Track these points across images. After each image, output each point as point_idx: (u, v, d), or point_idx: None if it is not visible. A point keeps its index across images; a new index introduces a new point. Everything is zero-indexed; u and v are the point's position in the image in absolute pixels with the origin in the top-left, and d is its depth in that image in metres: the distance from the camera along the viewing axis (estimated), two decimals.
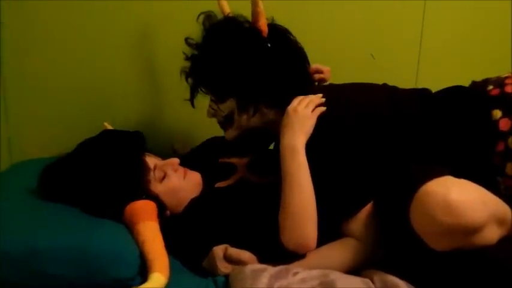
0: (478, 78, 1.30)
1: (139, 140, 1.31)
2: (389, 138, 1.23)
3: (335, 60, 1.49)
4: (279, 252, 1.16)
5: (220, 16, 1.31)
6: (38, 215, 1.16)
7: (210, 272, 1.17)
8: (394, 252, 1.19)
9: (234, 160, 1.43)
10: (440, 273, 1.10)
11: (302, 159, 1.18)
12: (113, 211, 1.17)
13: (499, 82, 1.21)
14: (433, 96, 1.30)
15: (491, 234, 1.06)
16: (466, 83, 1.31)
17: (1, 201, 1.20)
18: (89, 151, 1.27)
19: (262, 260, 1.17)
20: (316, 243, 1.17)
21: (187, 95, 1.29)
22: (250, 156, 1.42)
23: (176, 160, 1.33)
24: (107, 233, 1.12)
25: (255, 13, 1.25)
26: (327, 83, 1.45)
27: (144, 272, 1.07)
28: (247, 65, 1.23)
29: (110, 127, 1.43)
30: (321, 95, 1.26)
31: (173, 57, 1.27)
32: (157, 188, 1.27)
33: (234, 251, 1.17)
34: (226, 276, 1.15)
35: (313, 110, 1.22)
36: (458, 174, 1.11)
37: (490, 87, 1.21)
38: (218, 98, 1.30)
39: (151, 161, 1.29)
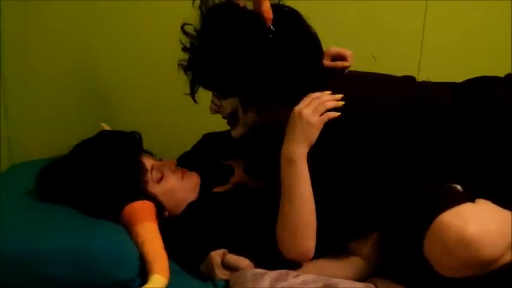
0: (483, 69, 1.27)
1: (136, 140, 1.31)
2: (410, 142, 1.14)
3: None
4: (276, 260, 1.15)
5: None
6: (37, 216, 1.15)
7: (208, 276, 1.17)
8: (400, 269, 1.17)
9: (232, 163, 1.41)
10: (448, 285, 1.08)
11: (300, 170, 1.12)
12: (110, 212, 1.17)
13: None
14: (475, 93, 1.19)
15: (508, 258, 1.03)
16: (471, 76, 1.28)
17: (0, 203, 1.20)
18: (86, 152, 1.26)
19: (259, 267, 1.15)
20: (313, 253, 1.15)
21: (186, 89, 1.20)
22: (245, 159, 1.38)
23: (173, 161, 1.33)
24: (106, 234, 1.11)
25: None
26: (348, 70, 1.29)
27: (144, 274, 1.07)
28: (248, 60, 1.10)
29: (107, 128, 1.42)
30: (338, 96, 1.14)
31: (172, 56, 1.25)
32: (154, 188, 1.26)
33: (232, 258, 1.16)
34: (226, 280, 1.14)
35: (322, 114, 1.12)
36: (485, 185, 1.09)
37: None
38: (219, 94, 1.21)
39: (148, 161, 1.28)
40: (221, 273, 1.15)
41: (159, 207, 1.24)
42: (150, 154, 1.35)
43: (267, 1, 1.11)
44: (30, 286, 1.05)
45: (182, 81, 1.22)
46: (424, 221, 1.04)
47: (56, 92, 1.65)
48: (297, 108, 1.13)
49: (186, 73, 1.18)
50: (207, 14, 1.14)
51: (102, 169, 1.22)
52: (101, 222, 1.15)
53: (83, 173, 1.22)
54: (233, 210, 1.25)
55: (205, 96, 1.23)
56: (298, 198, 1.13)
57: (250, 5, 1.14)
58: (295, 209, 1.13)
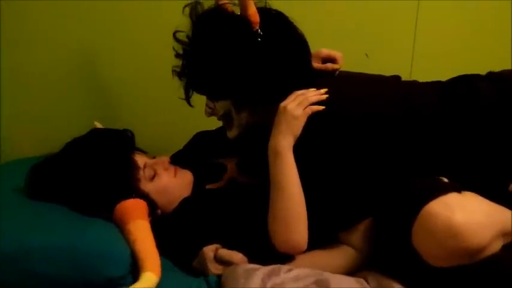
0: (473, 69, 1.28)
1: (128, 138, 1.31)
2: (398, 140, 1.16)
3: None
4: (269, 254, 1.15)
5: (209, 3, 1.21)
6: (28, 214, 1.15)
7: (201, 272, 1.17)
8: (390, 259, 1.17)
9: (224, 160, 1.41)
10: (437, 277, 1.08)
11: (287, 162, 1.14)
12: (102, 210, 1.17)
13: None
14: (459, 91, 1.21)
15: (495, 247, 1.04)
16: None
17: None
18: (77, 150, 1.26)
19: (252, 261, 1.16)
20: (306, 245, 1.15)
21: (181, 92, 1.23)
22: (238, 156, 1.39)
23: (166, 158, 1.32)
24: (97, 232, 1.11)
25: (242, 3, 1.14)
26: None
27: (135, 271, 1.07)
28: (238, 63, 1.14)
29: (100, 126, 1.42)
30: (322, 90, 1.17)
31: (166, 55, 1.25)
32: (147, 186, 1.26)
33: (225, 252, 1.16)
34: (219, 275, 1.14)
35: (305, 108, 1.15)
36: (472, 178, 1.10)
37: None
38: (212, 97, 1.25)
39: (141, 159, 1.28)
40: (214, 268, 1.15)
41: (152, 205, 1.24)
42: (143, 152, 1.35)
43: (253, 5, 1.15)
44: (22, 284, 1.05)
45: (176, 80, 1.24)
46: (411, 212, 1.05)
47: (48, 91, 1.65)
48: (282, 103, 1.16)
49: (180, 79, 1.21)
50: (197, 21, 1.18)
51: (93, 167, 1.21)
52: (92, 220, 1.15)
53: (75, 171, 1.21)
54: (226, 206, 1.25)
55: (199, 96, 1.25)
56: (287, 189, 1.14)
57: (238, 10, 1.17)
58: (284, 200, 1.14)
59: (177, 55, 1.20)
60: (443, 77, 1.30)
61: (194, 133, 1.53)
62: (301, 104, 1.15)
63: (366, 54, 1.72)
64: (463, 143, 1.17)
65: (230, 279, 1.09)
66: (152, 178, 1.27)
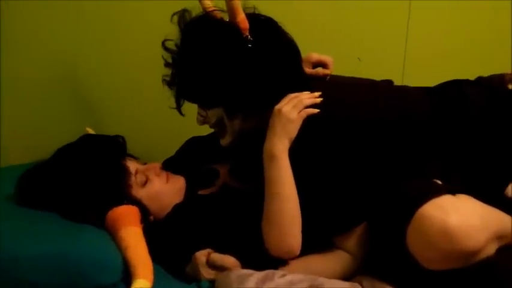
0: (465, 76, 1.29)
1: (120, 144, 1.31)
2: (391, 145, 1.16)
3: None
4: (263, 259, 1.15)
5: (197, 11, 1.20)
6: (18, 222, 1.14)
7: (194, 278, 1.16)
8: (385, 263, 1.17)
9: (217, 166, 1.40)
10: (432, 280, 1.08)
11: (282, 165, 1.14)
12: (94, 217, 1.16)
13: None
14: (447, 97, 1.22)
15: (490, 250, 1.04)
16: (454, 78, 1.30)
17: None
18: (68, 156, 1.25)
19: (246, 266, 1.15)
20: (300, 249, 1.15)
21: (172, 101, 1.22)
22: (231, 162, 1.39)
23: (158, 164, 1.32)
24: (88, 239, 1.10)
25: (231, 9, 1.14)
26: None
27: (128, 278, 1.06)
28: (229, 70, 1.14)
29: (91, 132, 1.41)
30: (317, 93, 1.17)
31: (156, 61, 1.25)
32: (139, 192, 1.25)
33: (217, 257, 1.15)
34: (212, 281, 1.13)
35: (301, 111, 1.15)
36: (467, 182, 1.10)
37: (511, 86, 1.17)
38: (204, 105, 1.24)
39: (132, 165, 1.28)
40: (206, 273, 1.14)
41: (144, 211, 1.23)
42: (134, 158, 1.34)
43: (242, 12, 1.15)
44: None
45: (168, 88, 1.23)
46: (405, 214, 1.05)
47: (39, 97, 1.64)
48: (277, 106, 1.16)
49: (170, 88, 1.21)
50: (186, 29, 1.18)
51: (84, 173, 1.21)
52: (83, 227, 1.14)
53: (66, 177, 1.21)
54: (219, 211, 1.25)
55: (191, 103, 1.25)
56: (282, 192, 1.14)
57: (226, 17, 1.17)
58: (279, 204, 1.14)
59: (167, 64, 1.20)
60: (436, 80, 1.31)
61: (186, 139, 1.52)
62: (296, 107, 1.15)
63: (359, 58, 1.73)
64: (454, 148, 1.17)
65: (223, 284, 1.09)
66: (144, 184, 1.27)
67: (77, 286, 1.04)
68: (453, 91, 1.22)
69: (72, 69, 1.65)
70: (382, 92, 1.27)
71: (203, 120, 1.27)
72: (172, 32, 1.19)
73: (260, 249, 1.16)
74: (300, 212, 1.15)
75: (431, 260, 1.04)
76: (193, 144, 1.50)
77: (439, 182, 1.13)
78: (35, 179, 1.23)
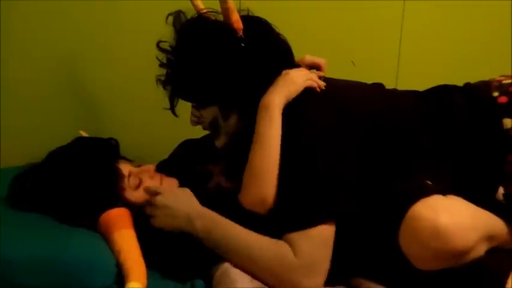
0: (459, 77, 1.29)
1: (112, 146, 1.30)
2: (385, 146, 1.17)
3: None
4: None
5: (191, 13, 1.23)
6: (11, 225, 1.14)
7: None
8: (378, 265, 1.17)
9: (210, 167, 1.40)
10: (425, 281, 1.09)
11: (273, 117, 1.14)
12: (87, 220, 1.16)
13: (503, 89, 1.18)
14: (434, 101, 1.23)
15: (480, 251, 1.06)
16: (447, 82, 1.29)
17: None
18: (61, 158, 1.25)
19: None
20: (271, 203, 1.12)
21: (166, 102, 1.23)
22: (225, 163, 1.38)
23: (152, 166, 1.31)
24: (81, 242, 1.10)
25: (224, 11, 1.17)
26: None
27: (121, 281, 1.06)
28: (223, 68, 1.16)
29: (85, 135, 1.41)
30: (322, 82, 1.20)
31: (151, 64, 1.25)
32: (132, 195, 1.25)
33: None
34: (205, 280, 1.13)
35: (307, 80, 1.18)
36: (457, 186, 1.11)
37: (496, 93, 1.18)
38: (199, 105, 1.24)
39: (125, 167, 1.27)
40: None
41: (137, 213, 1.22)
42: (128, 160, 1.34)
43: (236, 13, 1.17)
44: None
45: (161, 89, 1.24)
46: (397, 215, 1.05)
47: (37, 99, 1.64)
48: (285, 71, 1.19)
49: (164, 88, 1.22)
50: (181, 29, 1.19)
51: (77, 176, 1.21)
52: (76, 230, 1.14)
53: (58, 180, 1.21)
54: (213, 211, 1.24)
55: (185, 105, 1.25)
56: (266, 144, 1.13)
57: (220, 18, 1.19)
58: (262, 153, 1.13)
59: (161, 64, 1.21)
60: (430, 79, 1.31)
61: (180, 142, 1.52)
62: (301, 74, 1.19)
63: (352, 62, 1.73)
64: (443, 151, 1.18)
65: (221, 282, 1.09)
66: (137, 187, 1.26)
67: None
68: (440, 96, 1.24)
69: (69, 72, 1.65)
70: (375, 94, 1.28)
71: (196, 121, 1.27)
72: (168, 33, 1.20)
73: None
74: (277, 167, 1.13)
75: (423, 260, 1.04)
76: (186, 147, 1.49)
77: (430, 183, 1.13)
78: (28, 182, 1.22)
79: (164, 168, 1.38)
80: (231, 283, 1.08)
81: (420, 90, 1.30)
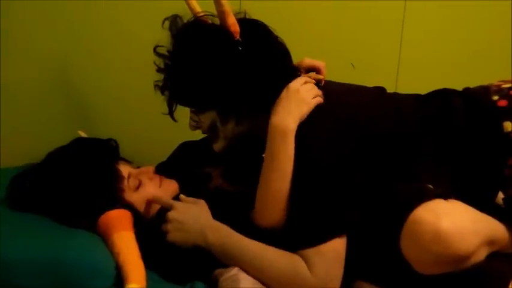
0: (459, 79, 1.29)
1: (112, 147, 1.30)
2: (388, 151, 1.15)
3: None
4: None
5: (188, 16, 1.21)
6: (9, 226, 1.13)
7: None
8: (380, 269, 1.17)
9: (209, 169, 1.40)
10: (427, 286, 1.09)
11: (290, 142, 1.12)
12: (86, 221, 1.16)
13: (503, 92, 1.17)
14: (433, 105, 1.23)
15: (481, 256, 1.05)
16: (447, 85, 1.29)
17: None
18: (60, 159, 1.25)
19: None
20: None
21: (165, 107, 1.22)
22: (223, 166, 1.39)
23: (151, 168, 1.31)
24: (81, 244, 1.10)
25: (220, 14, 1.15)
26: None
27: (120, 283, 1.06)
28: (221, 72, 1.14)
29: (84, 135, 1.41)
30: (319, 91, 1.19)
31: (148, 65, 1.25)
32: (132, 196, 1.25)
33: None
34: (206, 282, 1.14)
35: (315, 97, 1.16)
36: (457, 190, 1.10)
37: (495, 97, 1.17)
38: (197, 109, 1.24)
39: (125, 169, 1.27)
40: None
41: (137, 215, 1.22)
42: (127, 162, 1.34)
43: (233, 16, 1.16)
44: None
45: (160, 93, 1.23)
46: (398, 219, 1.05)
47: (34, 100, 1.64)
48: (293, 84, 1.16)
49: (162, 93, 1.20)
50: (177, 33, 1.18)
51: (76, 177, 1.20)
52: (75, 231, 1.14)
53: (57, 181, 1.20)
54: (212, 213, 1.23)
55: (184, 108, 1.24)
56: (282, 169, 1.12)
57: (217, 21, 1.18)
58: (277, 178, 1.12)
59: (159, 69, 1.20)
60: (430, 81, 1.31)
61: (179, 143, 1.52)
62: (311, 92, 1.16)
63: (352, 64, 1.73)
64: (443, 155, 1.18)
65: (226, 283, 1.10)
66: (137, 188, 1.26)
67: None
68: (440, 100, 1.23)
69: (67, 73, 1.65)
70: (376, 98, 1.27)
71: (195, 125, 1.27)
72: (164, 37, 1.19)
73: None
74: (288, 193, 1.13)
75: (424, 264, 1.04)
76: (185, 149, 1.49)
77: (431, 187, 1.13)
78: (27, 183, 1.22)
79: (163, 169, 1.39)
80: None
81: (420, 93, 1.30)
